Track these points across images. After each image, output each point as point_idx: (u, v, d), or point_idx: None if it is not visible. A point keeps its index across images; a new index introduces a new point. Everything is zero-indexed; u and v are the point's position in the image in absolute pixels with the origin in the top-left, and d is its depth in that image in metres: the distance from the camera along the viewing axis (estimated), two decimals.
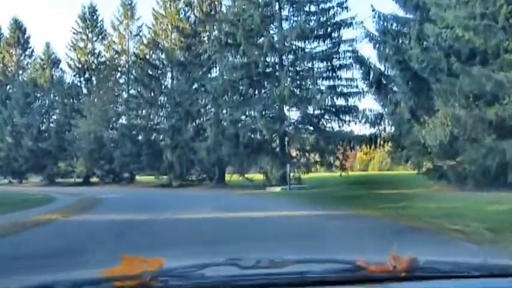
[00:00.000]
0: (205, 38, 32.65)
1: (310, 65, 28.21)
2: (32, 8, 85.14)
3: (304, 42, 28.04)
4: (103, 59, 42.19)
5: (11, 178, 45.30)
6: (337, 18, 27.32)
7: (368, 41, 20.07)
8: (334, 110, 27.77)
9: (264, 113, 26.83)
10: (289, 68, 27.71)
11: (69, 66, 42.79)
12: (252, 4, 27.34)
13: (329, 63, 28.12)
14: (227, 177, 31.44)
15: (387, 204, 11.89)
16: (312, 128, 27.64)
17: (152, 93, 34.95)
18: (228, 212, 11.69)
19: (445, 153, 15.96)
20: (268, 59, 27.82)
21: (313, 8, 27.75)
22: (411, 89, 16.71)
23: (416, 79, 16.75)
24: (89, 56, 42.66)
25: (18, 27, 46.97)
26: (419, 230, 7.61)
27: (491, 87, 14.41)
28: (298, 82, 27.98)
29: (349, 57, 27.40)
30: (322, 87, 27.87)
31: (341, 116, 27.96)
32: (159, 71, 35.57)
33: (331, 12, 27.24)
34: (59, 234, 8.95)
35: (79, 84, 43.00)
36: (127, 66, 39.78)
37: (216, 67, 32.32)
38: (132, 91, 38.14)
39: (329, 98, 27.37)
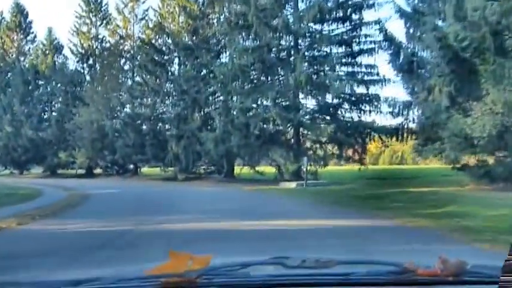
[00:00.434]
0: (214, 20, 30.33)
1: (328, 49, 26.00)
2: None
3: (322, 24, 25.74)
4: (107, 45, 40.19)
5: (12, 169, 43.62)
6: None
7: (399, 17, 17.66)
8: (353, 98, 25.50)
9: (277, 101, 24.57)
10: (305, 53, 25.40)
11: (72, 52, 40.83)
12: None
13: (348, 48, 25.87)
14: (236, 170, 29.33)
15: (432, 210, 9.69)
16: (329, 118, 25.31)
17: (157, 80, 32.86)
18: (242, 220, 8.96)
19: (493, 146, 13.61)
20: (282, 42, 25.51)
21: None
22: (452, 71, 14.33)
23: (457, 60, 14.39)
24: (93, 41, 40.61)
25: (20, 11, 44.90)
26: None
27: None
28: (315, 67, 25.65)
29: (370, 42, 25.31)
30: (341, 74, 25.65)
31: (361, 106, 25.72)
32: (165, 57, 33.46)
33: None
34: None
35: (82, 71, 41.01)
36: (132, 52, 37.74)
37: (225, 52, 30.12)
38: (136, 78, 36.14)
39: (348, 86, 25.12)
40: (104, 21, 40.59)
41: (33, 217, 10.24)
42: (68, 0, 79.30)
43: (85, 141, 34.97)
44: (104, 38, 40.46)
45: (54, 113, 40.65)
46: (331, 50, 25.92)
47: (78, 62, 40.88)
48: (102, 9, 40.90)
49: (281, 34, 25.17)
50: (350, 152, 26.09)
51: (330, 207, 11.76)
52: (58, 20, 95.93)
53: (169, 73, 32.89)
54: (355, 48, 25.75)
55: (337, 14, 25.29)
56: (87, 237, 7.86)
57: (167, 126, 32.07)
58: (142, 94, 33.52)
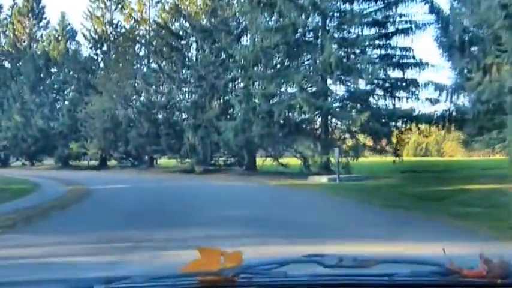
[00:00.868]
0: (234, 0, 28.00)
1: (358, 30, 23.50)
2: None
3: (352, 2, 23.25)
4: (122, 30, 38.25)
5: (23, 160, 42.10)
6: None
7: None
8: (387, 84, 23.04)
9: (303, 86, 22.17)
10: (334, 34, 22.92)
11: (85, 37, 38.92)
12: None
13: (381, 29, 23.36)
14: (258, 161, 27.09)
15: None
16: (361, 106, 22.83)
17: (173, 66, 30.73)
18: (295, 244, 5.70)
19: None
20: (309, 22, 23.07)
21: None
22: None
23: None
24: (107, 26, 38.63)
25: None
26: None
27: None
28: (346, 50, 23.16)
29: (406, 22, 22.83)
30: (373, 57, 23.18)
31: (395, 92, 23.27)
32: (182, 41, 31.29)
33: None
34: None
35: (95, 57, 39.09)
36: (147, 37, 35.72)
37: (246, 35, 27.81)
38: (152, 65, 34.13)
39: (381, 70, 22.68)
40: (119, 5, 38.55)
41: (10, 220, 8.11)
42: None
43: (97, 132, 33.05)
44: (119, 23, 38.55)
45: (66, 102, 38.81)
46: (362, 30, 23.49)
47: (91, 48, 39.01)
48: None
49: (308, 13, 22.74)
50: (383, 142, 23.62)
51: (378, 208, 9.41)
52: (72, 5, 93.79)
53: (186, 58, 30.73)
54: (389, 28, 23.33)
55: None
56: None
57: (183, 115, 29.92)
58: (157, 81, 31.41)
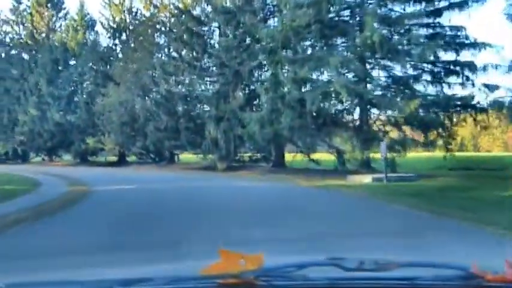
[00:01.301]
0: None
1: (403, 6, 20.46)
2: None
3: None
4: (141, 18, 35.96)
5: (43, 156, 40.46)
6: None
7: None
8: (439, 67, 19.96)
9: (340, 70, 19.23)
10: (375, 11, 19.86)
11: (103, 26, 36.80)
12: None
13: (429, 5, 20.29)
14: (288, 157, 24.30)
15: None
16: (407, 93, 19.74)
17: (194, 54, 28.18)
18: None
19: None
20: None
21: None
22: None
23: None
24: (126, 13, 36.41)
25: None
26: None
27: None
28: (388, 29, 20.10)
29: None
30: (421, 38, 20.06)
31: (447, 77, 20.20)
32: (204, 27, 28.72)
33: None
34: None
35: (114, 47, 36.93)
36: (168, 24, 33.29)
37: (273, 17, 25.02)
38: (172, 54, 31.69)
39: (430, 52, 19.56)
40: None
41: None
42: None
43: (114, 126, 30.80)
44: (138, 10, 36.29)
45: (84, 95, 36.77)
46: (405, 7, 20.46)
47: (109, 37, 36.86)
48: None
49: None
50: (432, 135, 20.54)
51: (478, 229, 6.44)
52: None
53: (208, 45, 28.13)
54: (440, 3, 20.21)
55: None
56: None
57: (205, 107, 27.32)
58: (177, 70, 28.91)
